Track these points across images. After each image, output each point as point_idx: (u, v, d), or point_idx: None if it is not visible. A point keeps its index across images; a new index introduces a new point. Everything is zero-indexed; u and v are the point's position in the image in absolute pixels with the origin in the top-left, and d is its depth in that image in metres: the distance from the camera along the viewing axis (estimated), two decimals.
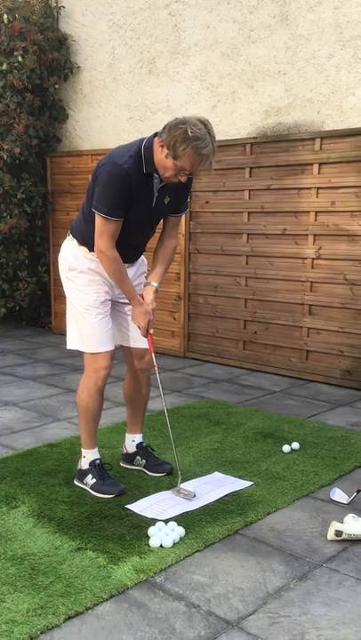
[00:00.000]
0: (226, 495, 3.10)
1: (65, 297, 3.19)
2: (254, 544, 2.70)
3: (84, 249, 3.05)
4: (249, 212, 5.63)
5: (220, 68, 5.80)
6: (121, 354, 3.33)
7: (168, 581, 2.41)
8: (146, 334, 3.09)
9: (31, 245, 7.44)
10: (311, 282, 5.30)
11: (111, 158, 2.85)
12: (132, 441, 3.43)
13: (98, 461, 3.19)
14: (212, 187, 5.79)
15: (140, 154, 2.84)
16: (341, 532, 2.70)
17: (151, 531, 2.70)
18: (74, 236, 3.10)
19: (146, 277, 3.22)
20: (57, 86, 7.02)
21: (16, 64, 6.63)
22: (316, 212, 5.21)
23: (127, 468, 3.42)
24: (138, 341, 3.20)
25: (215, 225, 5.88)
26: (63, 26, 7.09)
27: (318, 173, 5.15)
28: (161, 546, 2.62)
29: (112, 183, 2.81)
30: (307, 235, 5.28)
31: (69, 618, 2.18)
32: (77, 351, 3.15)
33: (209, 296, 6.02)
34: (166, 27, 6.13)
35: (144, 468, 3.38)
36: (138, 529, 2.76)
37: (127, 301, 3.09)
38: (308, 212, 5.25)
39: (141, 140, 2.90)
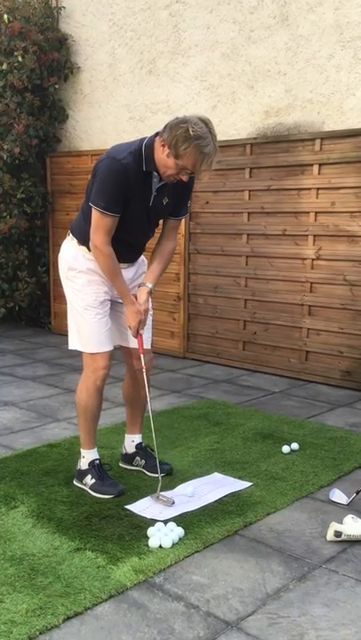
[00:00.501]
0: (225, 496, 3.10)
1: (64, 297, 3.19)
2: (254, 545, 2.70)
3: (83, 249, 3.05)
4: (249, 213, 5.63)
5: (221, 68, 5.80)
6: (120, 354, 3.33)
7: (167, 582, 2.41)
8: (136, 334, 3.08)
9: (31, 245, 7.43)
10: (311, 282, 5.30)
11: (111, 154, 2.86)
12: (131, 441, 3.43)
13: (97, 462, 3.19)
14: (212, 187, 5.79)
15: (141, 151, 2.85)
16: (341, 532, 2.70)
17: (150, 531, 2.69)
18: (74, 236, 3.09)
19: None
20: (57, 86, 7.02)
21: (16, 64, 6.63)
22: (316, 213, 5.21)
23: (126, 469, 3.42)
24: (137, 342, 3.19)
25: (215, 225, 5.87)
26: (63, 26, 7.09)
27: (318, 174, 5.15)
28: (160, 546, 2.62)
29: (110, 178, 2.81)
30: (307, 235, 5.28)
31: (68, 618, 2.18)
32: (77, 351, 3.14)
33: (209, 296, 6.02)
34: (167, 27, 6.13)
35: (143, 468, 3.37)
36: (137, 529, 2.76)
37: None
38: (308, 212, 5.25)
39: (142, 139, 2.90)
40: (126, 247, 3.04)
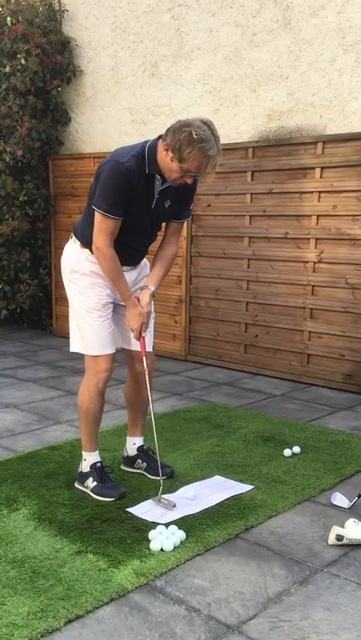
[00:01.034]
0: (226, 499, 3.10)
1: (66, 299, 3.19)
2: (255, 548, 2.70)
3: (86, 251, 3.05)
4: (251, 216, 5.64)
5: (223, 71, 5.81)
6: (122, 357, 3.33)
7: (169, 585, 2.41)
8: (138, 337, 3.08)
9: (33, 248, 7.44)
10: (313, 285, 5.30)
11: (114, 157, 2.87)
12: (132, 444, 3.43)
13: (99, 464, 3.19)
14: (214, 190, 5.80)
15: (144, 154, 2.85)
16: (342, 536, 2.70)
17: (152, 534, 2.69)
18: (76, 238, 3.10)
19: None
20: (60, 89, 7.04)
21: (19, 67, 6.65)
22: (318, 216, 5.22)
23: (128, 472, 3.42)
24: (139, 344, 3.19)
25: (217, 228, 5.88)
26: (66, 29, 7.11)
27: (320, 177, 5.16)
28: (162, 549, 2.62)
29: (113, 180, 2.82)
30: (308, 238, 5.29)
31: (70, 621, 2.18)
32: (78, 353, 3.15)
33: (210, 299, 6.02)
34: (169, 30, 6.14)
35: (145, 471, 3.37)
36: (138, 532, 2.76)
37: None
38: (310, 215, 5.26)
39: (145, 142, 2.91)
40: (129, 250, 3.05)
